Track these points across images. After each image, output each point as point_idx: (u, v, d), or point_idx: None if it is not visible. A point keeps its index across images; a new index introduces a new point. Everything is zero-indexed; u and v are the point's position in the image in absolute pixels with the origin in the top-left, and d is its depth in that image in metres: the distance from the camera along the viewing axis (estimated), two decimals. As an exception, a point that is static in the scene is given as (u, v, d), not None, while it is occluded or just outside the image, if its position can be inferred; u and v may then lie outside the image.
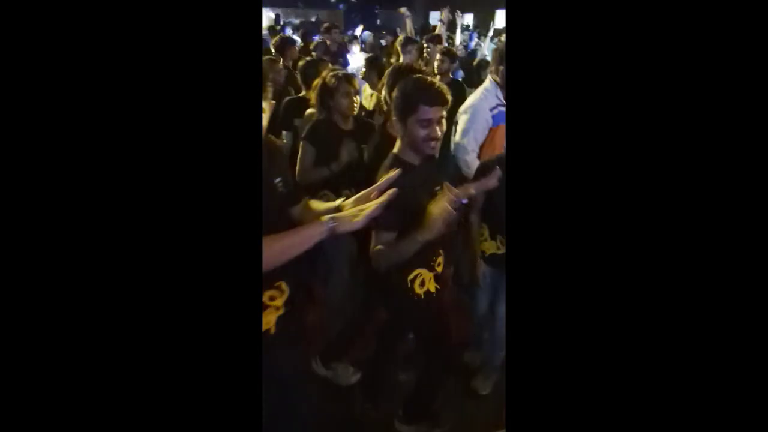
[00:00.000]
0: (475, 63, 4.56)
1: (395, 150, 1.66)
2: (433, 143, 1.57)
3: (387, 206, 1.21)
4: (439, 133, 1.57)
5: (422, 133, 1.55)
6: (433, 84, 1.53)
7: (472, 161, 2.43)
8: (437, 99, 1.53)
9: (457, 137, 2.51)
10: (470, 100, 2.53)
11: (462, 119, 2.50)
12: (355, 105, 2.33)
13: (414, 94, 1.53)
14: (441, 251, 1.76)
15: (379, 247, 1.52)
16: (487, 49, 5.12)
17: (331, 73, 2.37)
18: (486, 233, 2.14)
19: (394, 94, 1.59)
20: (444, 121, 1.59)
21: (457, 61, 3.94)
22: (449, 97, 1.56)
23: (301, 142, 2.36)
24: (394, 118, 1.61)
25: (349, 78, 2.33)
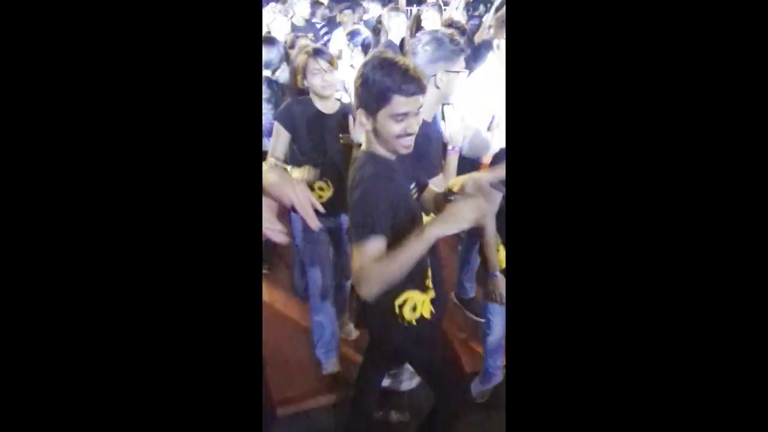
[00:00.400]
0: (476, 39, 4.05)
1: (364, 146, 1.40)
2: (408, 140, 1.31)
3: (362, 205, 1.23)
4: (416, 126, 1.31)
5: (396, 128, 1.28)
6: (407, 68, 1.25)
7: (481, 142, 2.16)
8: (414, 87, 1.26)
9: (454, 125, 2.18)
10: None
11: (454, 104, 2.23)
12: (329, 84, 2.01)
13: (385, 81, 1.25)
14: (429, 266, 1.51)
15: (366, 262, 1.21)
16: (492, 20, 4.54)
17: (305, 49, 2.07)
18: (500, 242, 1.83)
19: (358, 79, 1.30)
20: (421, 112, 1.33)
21: (466, 35, 3.45)
22: (426, 83, 1.29)
23: (274, 123, 2.10)
24: (358, 109, 1.32)
25: (318, 53, 2.00)
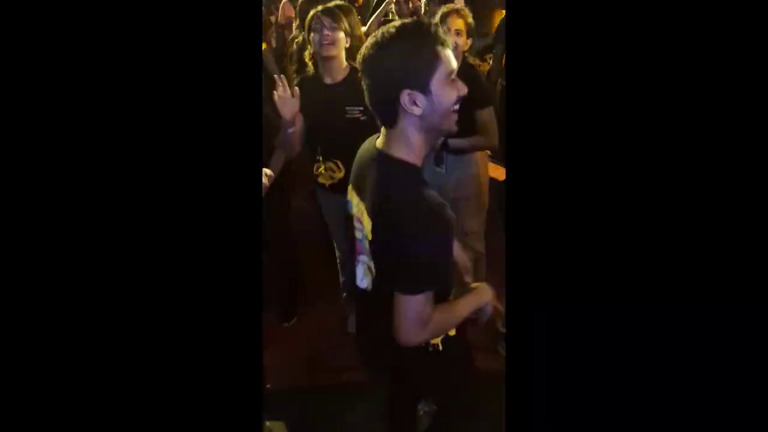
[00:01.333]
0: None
1: (379, 145, 1.12)
2: (458, 106, 1.08)
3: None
4: (465, 87, 1.08)
5: (453, 93, 1.04)
6: (422, 23, 1.06)
7: None
8: (438, 38, 1.04)
9: None
10: None
11: None
12: (329, 42, 1.80)
13: (428, 39, 1.02)
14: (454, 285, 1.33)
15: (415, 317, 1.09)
16: None
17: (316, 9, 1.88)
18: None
19: (364, 53, 1.04)
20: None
21: None
22: (447, 37, 1.08)
23: None
24: (403, 91, 1.01)
25: (326, 12, 1.81)
